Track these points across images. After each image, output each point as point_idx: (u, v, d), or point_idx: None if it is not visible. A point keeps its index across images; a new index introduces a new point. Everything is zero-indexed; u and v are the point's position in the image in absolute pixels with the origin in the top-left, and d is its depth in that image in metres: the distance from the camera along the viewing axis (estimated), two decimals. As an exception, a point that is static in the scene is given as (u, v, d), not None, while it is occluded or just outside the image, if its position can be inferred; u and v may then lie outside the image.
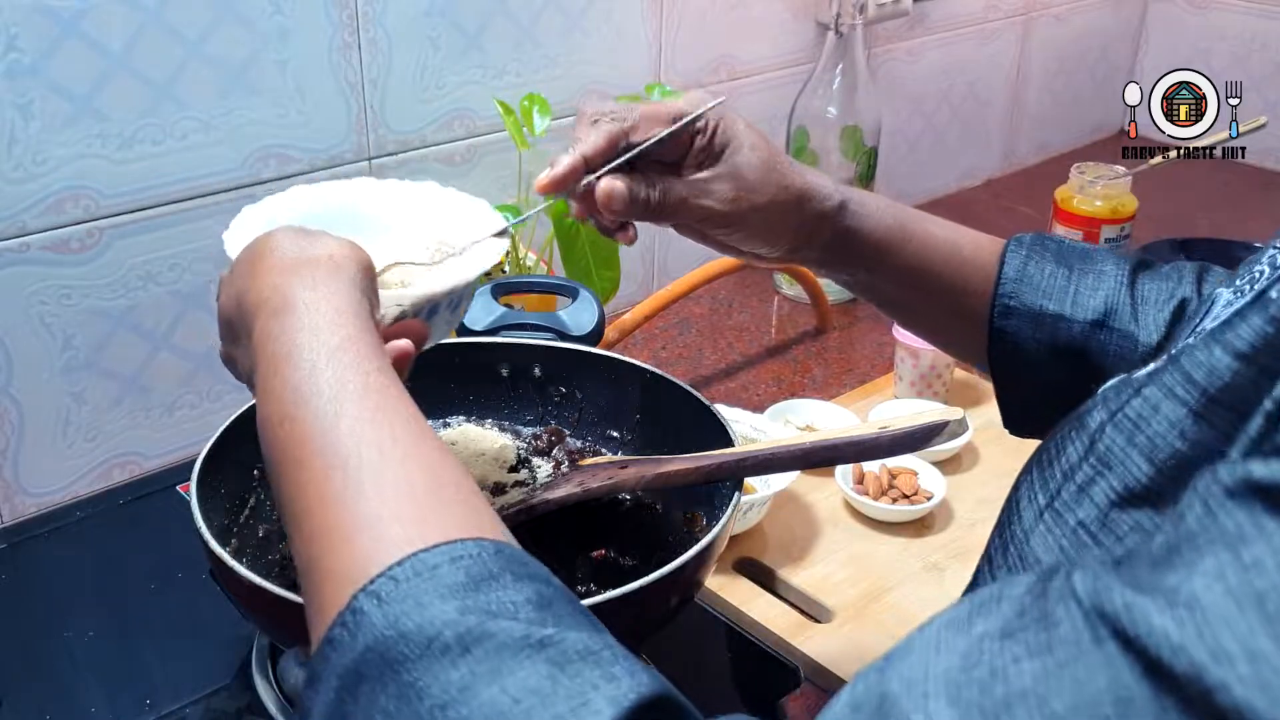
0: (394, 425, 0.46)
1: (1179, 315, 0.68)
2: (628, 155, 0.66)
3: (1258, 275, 0.51)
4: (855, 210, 0.71)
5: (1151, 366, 0.46)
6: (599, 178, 0.66)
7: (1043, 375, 0.71)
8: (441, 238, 0.70)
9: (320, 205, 0.71)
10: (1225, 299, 0.53)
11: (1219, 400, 0.40)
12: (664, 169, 0.68)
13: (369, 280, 0.56)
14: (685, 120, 0.67)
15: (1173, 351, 0.45)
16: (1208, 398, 0.41)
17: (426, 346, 0.63)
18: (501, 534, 0.43)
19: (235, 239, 0.65)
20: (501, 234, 0.69)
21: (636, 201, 0.66)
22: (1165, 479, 0.41)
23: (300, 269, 0.53)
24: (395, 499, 0.43)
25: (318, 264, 0.54)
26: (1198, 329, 0.54)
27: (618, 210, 0.66)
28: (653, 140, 0.66)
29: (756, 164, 0.68)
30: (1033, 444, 0.53)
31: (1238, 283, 0.53)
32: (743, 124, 0.70)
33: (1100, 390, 0.49)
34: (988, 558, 0.50)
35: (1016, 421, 0.75)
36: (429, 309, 0.62)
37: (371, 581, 0.40)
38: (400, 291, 0.61)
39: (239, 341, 0.57)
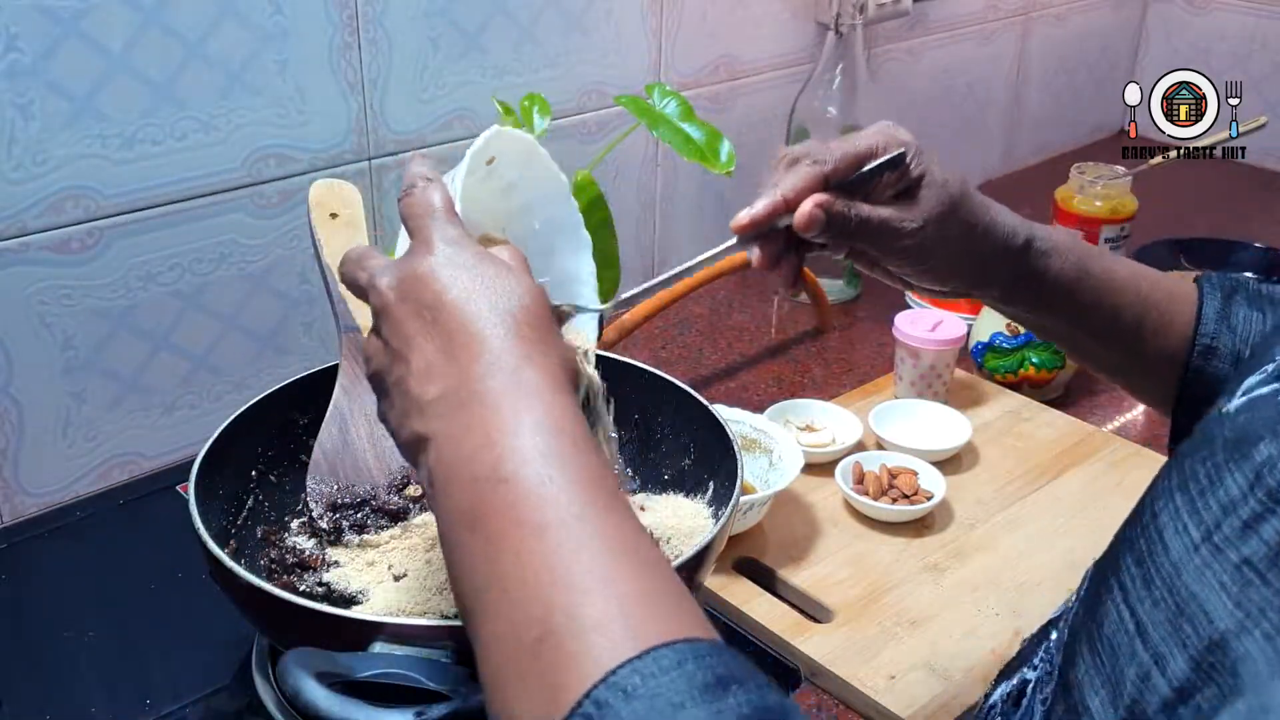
0: (623, 521, 0.45)
1: None
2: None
3: None
4: (1039, 249, 0.71)
5: None
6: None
7: None
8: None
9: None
10: None
11: None
12: (855, 191, 0.68)
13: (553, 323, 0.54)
14: (885, 159, 0.66)
15: None
16: None
17: None
18: (718, 636, 0.43)
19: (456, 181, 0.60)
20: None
21: (830, 226, 0.65)
22: None
23: (537, 339, 0.51)
24: (632, 593, 0.42)
25: (545, 332, 0.52)
26: None
27: (813, 234, 0.65)
28: (852, 178, 0.66)
29: (946, 200, 0.67)
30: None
31: None
32: (937, 158, 0.69)
33: (1248, 398, 0.47)
34: (1120, 586, 0.47)
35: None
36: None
37: (613, 673, 0.39)
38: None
39: (432, 339, 0.51)
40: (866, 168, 0.66)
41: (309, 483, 0.77)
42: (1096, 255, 0.73)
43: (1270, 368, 0.51)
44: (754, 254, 0.68)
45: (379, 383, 0.54)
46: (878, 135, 0.67)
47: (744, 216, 0.66)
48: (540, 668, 0.41)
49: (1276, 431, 0.43)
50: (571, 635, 0.41)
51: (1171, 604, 0.42)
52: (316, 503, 0.76)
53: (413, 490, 0.78)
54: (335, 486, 0.77)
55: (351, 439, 0.78)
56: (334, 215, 0.82)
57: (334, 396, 0.79)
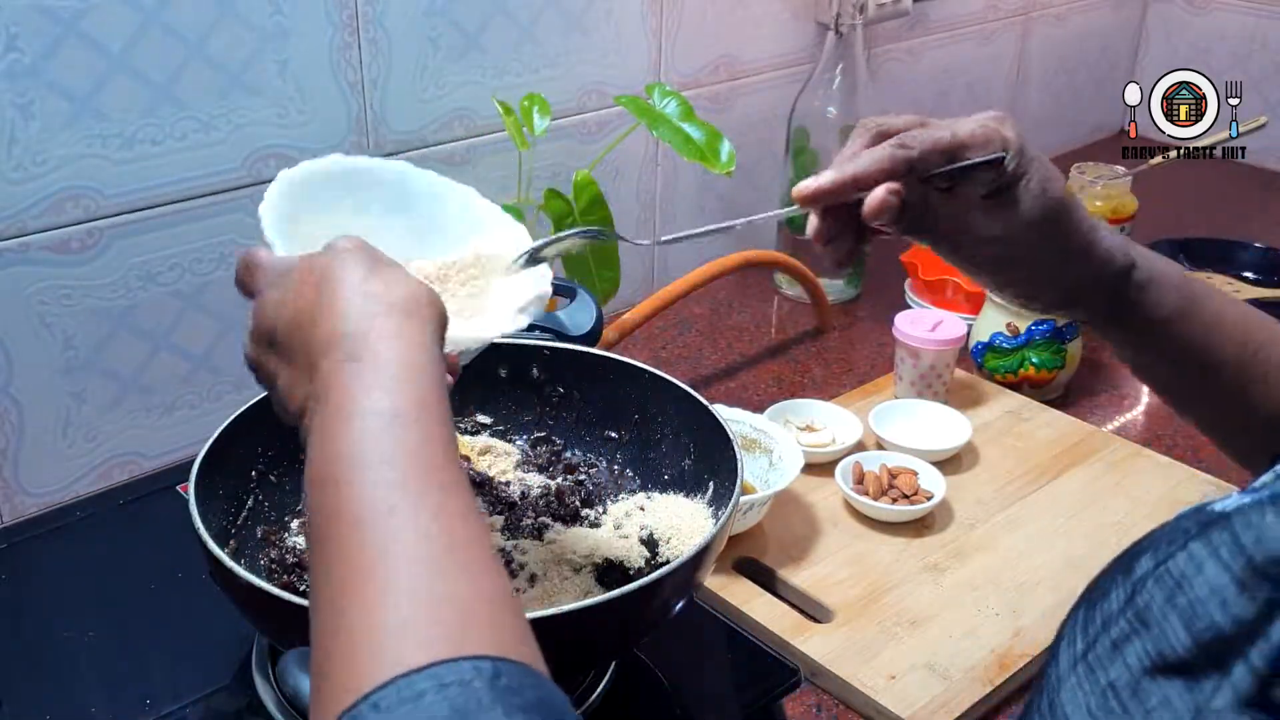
0: (453, 525, 0.43)
1: None
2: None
3: None
4: (1139, 280, 0.65)
5: (1222, 504, 0.40)
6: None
7: None
8: (479, 251, 0.67)
9: (357, 178, 0.69)
10: None
11: (1265, 574, 0.36)
12: (939, 185, 0.62)
13: (443, 331, 0.52)
14: (980, 160, 0.60)
15: (1227, 508, 0.40)
16: (1253, 568, 0.36)
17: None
18: (522, 648, 0.40)
19: (273, 211, 0.61)
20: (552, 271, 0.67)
21: (902, 216, 0.60)
22: (1202, 653, 0.37)
23: (379, 313, 0.49)
24: (426, 605, 0.40)
25: (395, 309, 0.49)
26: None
27: (883, 222, 0.60)
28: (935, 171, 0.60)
29: (1041, 212, 0.61)
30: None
31: None
32: (1040, 162, 0.62)
33: (1177, 516, 0.44)
34: (1039, 689, 0.44)
35: None
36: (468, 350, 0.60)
37: (363, 697, 0.37)
38: (457, 335, 0.58)
39: (286, 359, 0.52)
40: (957, 164, 0.60)
41: None
42: (1205, 294, 0.67)
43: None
44: (812, 224, 0.63)
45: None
46: (979, 129, 0.61)
47: (808, 186, 0.61)
48: (324, 666, 0.40)
49: (1159, 546, 0.41)
50: (344, 644, 0.40)
51: None
52: None
53: None
54: None
55: None
56: None
57: None
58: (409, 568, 0.41)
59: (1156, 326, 0.66)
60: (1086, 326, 0.68)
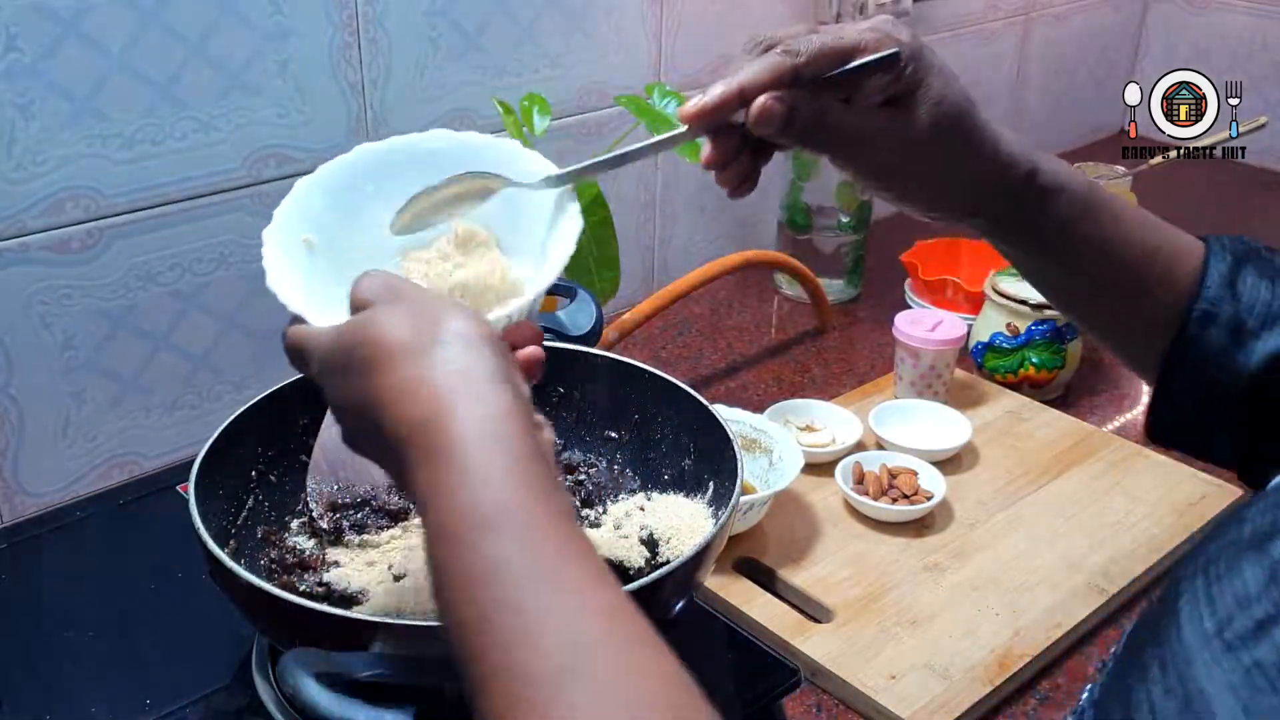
0: (613, 627, 0.41)
1: None
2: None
3: None
4: (1042, 184, 0.64)
5: None
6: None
7: (1221, 393, 0.64)
8: (501, 193, 0.64)
9: (372, 169, 0.68)
10: None
11: None
12: (829, 89, 0.59)
13: (505, 360, 0.49)
14: (865, 61, 0.57)
15: None
16: None
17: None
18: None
19: (277, 263, 0.61)
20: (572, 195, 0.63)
21: (792, 125, 0.58)
22: None
23: (432, 387, 0.46)
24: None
25: (447, 372, 0.46)
26: None
27: (769, 132, 0.58)
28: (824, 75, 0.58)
29: (939, 118, 0.59)
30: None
31: None
32: (939, 67, 0.60)
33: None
34: (1140, 666, 0.43)
35: (1165, 432, 0.69)
36: (532, 306, 0.58)
37: None
38: (508, 309, 0.57)
39: (376, 446, 0.50)
40: (848, 65, 0.58)
41: (309, 483, 0.77)
42: (1106, 201, 0.66)
43: None
44: (705, 148, 0.61)
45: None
46: (870, 32, 0.58)
47: (692, 105, 0.59)
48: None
49: None
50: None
51: (1181, 695, 0.40)
52: (316, 503, 0.76)
53: None
54: (335, 486, 0.77)
55: None
56: None
57: None
58: (591, 683, 0.40)
59: (1058, 231, 0.65)
60: (982, 234, 0.67)
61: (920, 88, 0.59)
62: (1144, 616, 0.48)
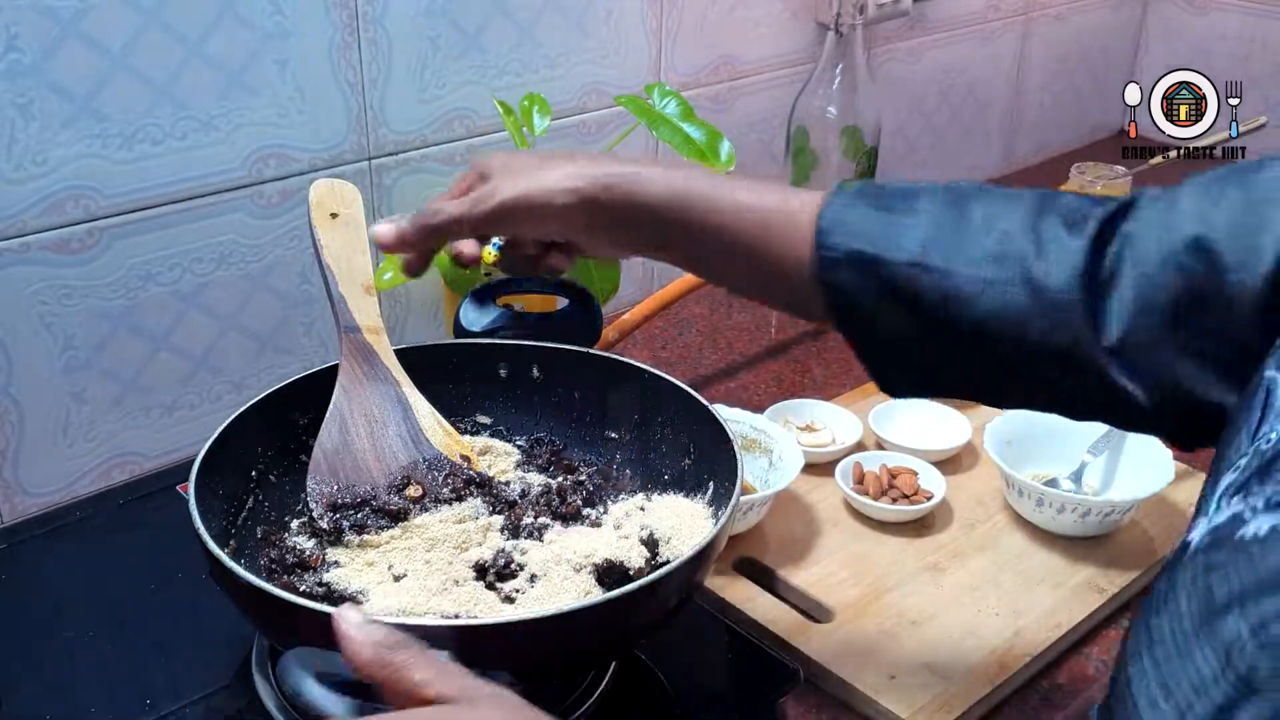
0: None
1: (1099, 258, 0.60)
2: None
3: None
4: (621, 197, 0.70)
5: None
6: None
7: (893, 329, 0.65)
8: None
9: None
10: None
11: None
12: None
13: None
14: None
15: None
16: None
17: None
18: None
19: None
20: None
21: (406, 239, 0.74)
22: None
23: None
24: None
25: None
26: None
27: (392, 243, 0.74)
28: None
29: (630, 242, 0.72)
30: None
31: None
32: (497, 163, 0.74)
33: (1212, 530, 0.43)
34: None
35: (888, 383, 0.70)
36: None
37: None
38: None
39: None
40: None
41: (309, 483, 0.77)
42: (703, 190, 0.70)
43: (1232, 479, 0.46)
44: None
45: None
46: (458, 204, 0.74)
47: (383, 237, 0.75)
48: None
49: (1245, 602, 0.40)
50: None
51: None
52: (316, 503, 0.76)
53: (412, 491, 0.78)
54: (335, 486, 0.77)
55: (351, 439, 0.78)
56: (334, 215, 0.82)
57: (334, 397, 0.79)
58: None
59: (656, 234, 0.71)
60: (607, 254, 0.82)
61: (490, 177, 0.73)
62: (1100, 708, 0.47)
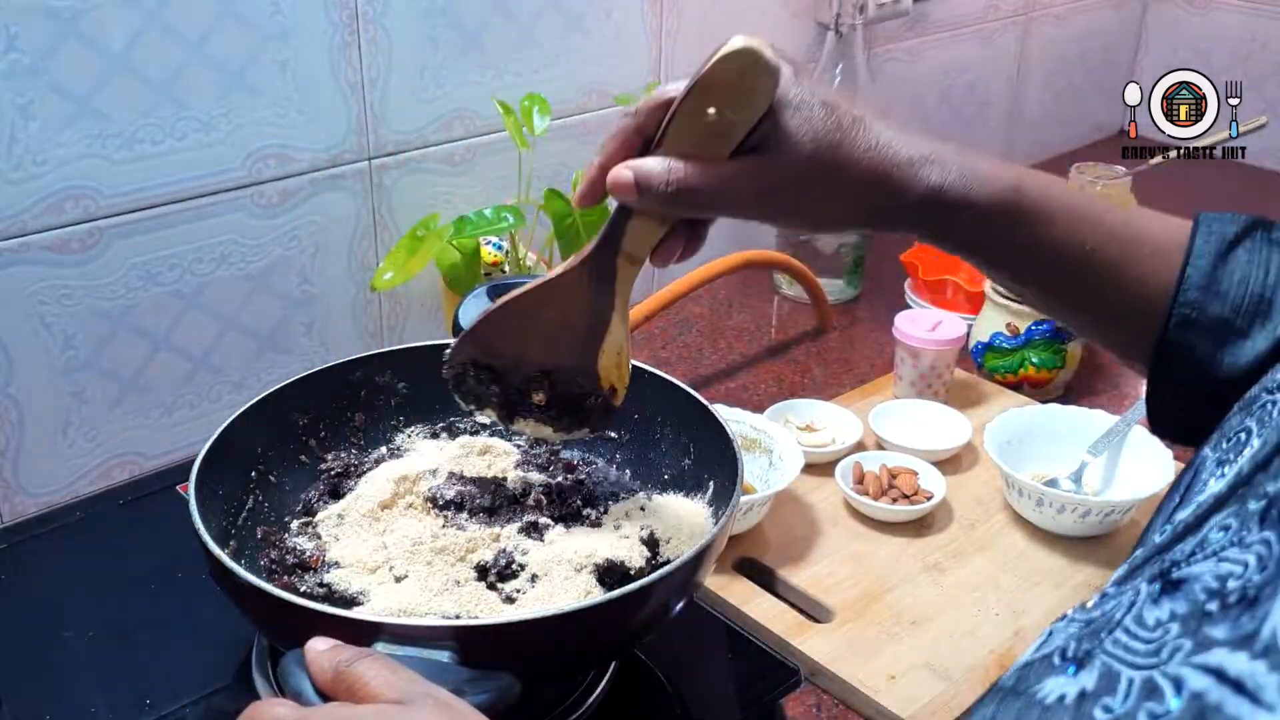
0: None
1: None
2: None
3: None
4: (950, 200, 0.60)
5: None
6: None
7: (1213, 392, 0.60)
8: None
9: None
10: None
11: None
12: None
13: None
14: (676, 100, 0.56)
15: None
16: None
17: None
18: None
19: None
20: None
21: (650, 191, 0.57)
22: None
23: None
24: None
25: None
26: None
27: (629, 200, 0.58)
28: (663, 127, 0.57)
29: (801, 159, 0.56)
30: None
31: None
32: (798, 100, 0.57)
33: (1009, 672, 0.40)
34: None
35: (1166, 429, 0.66)
36: None
37: None
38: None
39: None
40: (667, 117, 0.56)
41: (464, 324, 0.74)
42: (1031, 207, 0.61)
43: (1120, 574, 0.43)
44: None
45: None
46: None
47: (575, 196, 0.61)
48: None
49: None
50: None
51: None
52: (459, 348, 0.73)
53: (538, 397, 0.75)
54: (485, 343, 0.73)
55: (539, 315, 0.72)
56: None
57: (551, 278, 0.70)
58: None
59: (975, 247, 0.63)
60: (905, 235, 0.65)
61: (777, 131, 0.57)
62: None
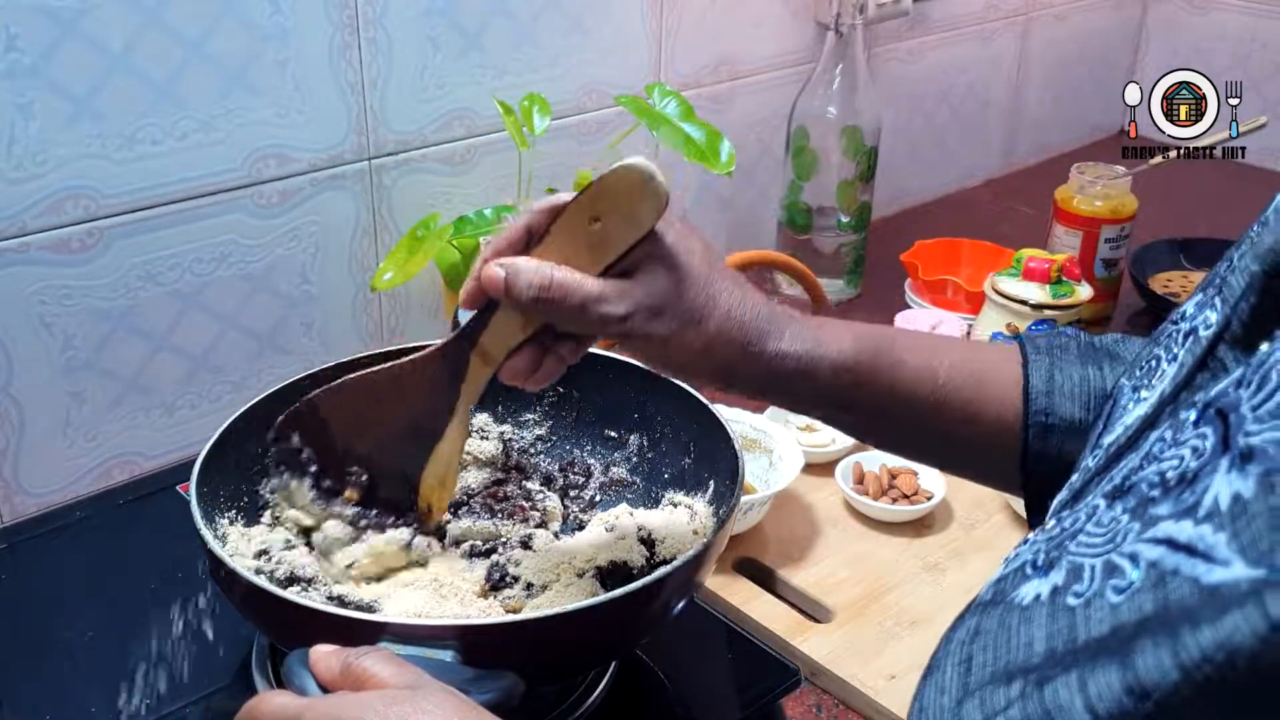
0: None
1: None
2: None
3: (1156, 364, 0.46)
4: (800, 362, 0.61)
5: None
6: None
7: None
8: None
9: None
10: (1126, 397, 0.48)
11: None
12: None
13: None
14: (564, 206, 0.58)
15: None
16: None
17: None
18: None
19: None
20: None
21: (514, 288, 0.58)
22: None
23: None
24: None
25: None
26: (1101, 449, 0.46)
27: (496, 294, 0.59)
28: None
29: (672, 274, 0.58)
30: None
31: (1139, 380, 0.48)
32: (677, 224, 0.59)
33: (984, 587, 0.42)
34: None
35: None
36: None
37: None
38: None
39: None
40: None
41: (310, 395, 0.71)
42: (873, 353, 0.62)
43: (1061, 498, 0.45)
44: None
45: None
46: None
47: (463, 293, 0.61)
48: None
49: (983, 689, 0.38)
50: None
51: None
52: (289, 420, 0.71)
53: (350, 494, 0.72)
54: (316, 426, 0.71)
55: (377, 408, 0.71)
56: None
57: (400, 367, 0.70)
58: None
59: (825, 402, 0.64)
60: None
61: (652, 260, 0.58)
62: None
